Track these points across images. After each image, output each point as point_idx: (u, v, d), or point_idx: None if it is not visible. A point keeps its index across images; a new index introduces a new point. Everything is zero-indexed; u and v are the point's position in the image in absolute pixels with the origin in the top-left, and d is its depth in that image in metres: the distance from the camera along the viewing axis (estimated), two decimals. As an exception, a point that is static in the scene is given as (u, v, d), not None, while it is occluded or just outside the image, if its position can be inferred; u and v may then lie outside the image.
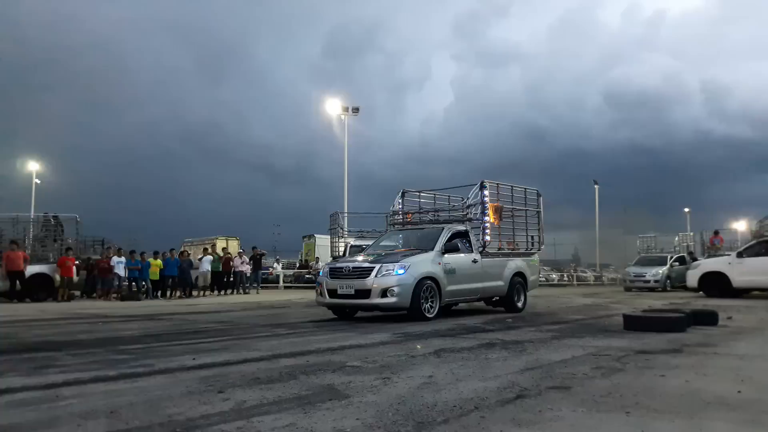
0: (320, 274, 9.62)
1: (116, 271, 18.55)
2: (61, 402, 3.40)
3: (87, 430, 2.79)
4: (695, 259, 20.50)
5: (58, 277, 17.02)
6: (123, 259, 18.73)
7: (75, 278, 17.80)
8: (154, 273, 18.71)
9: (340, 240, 16.79)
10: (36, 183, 36.38)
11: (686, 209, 51.86)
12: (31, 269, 16.67)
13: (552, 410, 3.09)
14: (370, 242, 13.07)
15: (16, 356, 5.34)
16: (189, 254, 21.35)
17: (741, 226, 31.20)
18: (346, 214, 17.14)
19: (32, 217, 21.00)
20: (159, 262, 18.86)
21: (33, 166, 36.54)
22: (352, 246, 15.40)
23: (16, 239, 17.17)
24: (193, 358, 5.04)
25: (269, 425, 2.83)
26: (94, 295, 18.21)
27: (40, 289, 16.79)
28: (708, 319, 7.64)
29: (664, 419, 2.90)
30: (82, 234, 19.49)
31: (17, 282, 16.26)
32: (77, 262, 17.93)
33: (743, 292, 15.20)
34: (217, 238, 27.27)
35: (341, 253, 15.80)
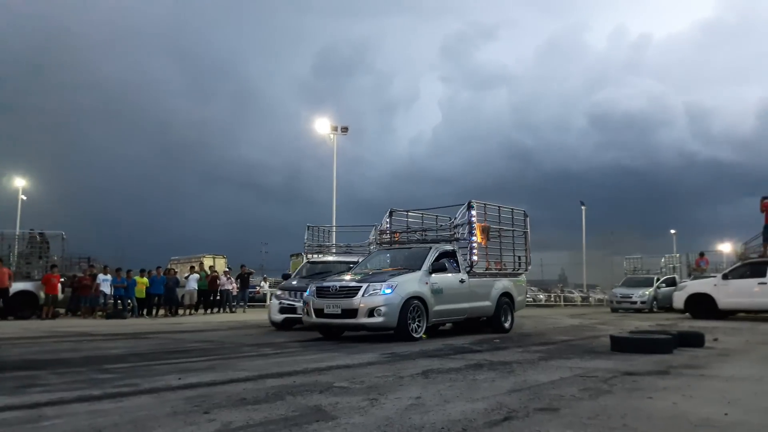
0: (307, 293, 9.59)
1: (102, 288, 18.32)
2: (44, 422, 3.34)
3: (70, 451, 2.75)
4: (673, 284, 20.73)
5: (42, 295, 16.77)
6: (109, 276, 18.52)
7: (60, 296, 17.56)
8: (140, 291, 18.50)
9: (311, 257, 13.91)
10: (22, 199, 36.00)
11: (672, 231, 52.39)
12: (15, 286, 16.40)
13: (540, 432, 3.10)
14: (332, 258, 12.95)
15: (-2, 375, 5.24)
16: (175, 272, 21.15)
17: (726, 247, 31.55)
18: (333, 228, 16.55)
19: (17, 233, 20.74)
20: (145, 280, 18.68)
21: (19, 182, 36.18)
22: (309, 263, 13.19)
23: (1, 256, 16.92)
24: (179, 378, 4.98)
25: (256, 447, 2.80)
26: (79, 313, 17.94)
27: (24, 306, 16.52)
28: (694, 340, 7.70)
29: (651, 441, 2.92)
30: (68, 251, 19.30)
31: (0, 299, 16.00)
32: (62, 279, 17.69)
33: (729, 314, 15.32)
34: (204, 256, 27.04)
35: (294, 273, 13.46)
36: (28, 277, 17.36)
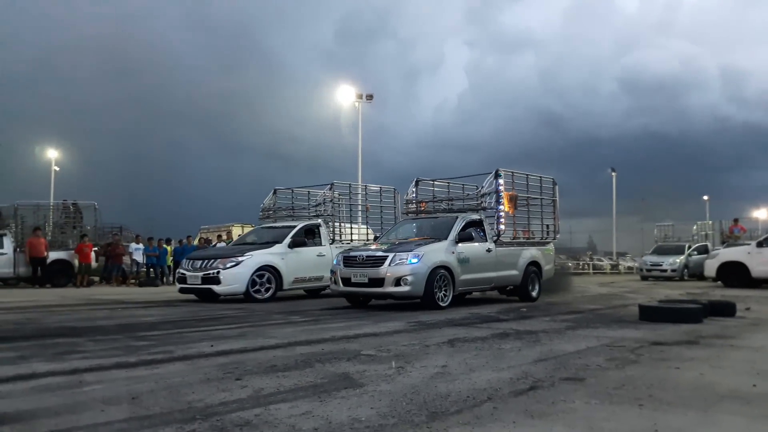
0: (334, 262, 9.72)
1: (134, 257, 18.89)
2: (84, 387, 3.50)
3: (110, 415, 2.87)
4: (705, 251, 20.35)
5: (77, 263, 17.34)
6: (141, 245, 19.05)
7: (94, 264, 18.13)
8: (171, 260, 19.06)
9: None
10: (55, 170, 36.91)
11: (705, 197, 51.17)
12: (51, 255, 17.00)
13: (565, 402, 3.12)
14: (279, 224, 12.57)
15: (40, 341, 5.47)
16: (209, 241, 21.58)
17: (762, 214, 30.77)
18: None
19: (52, 204, 21.34)
20: (170, 249, 19.32)
21: (52, 154, 37.04)
22: (260, 228, 12.92)
23: (38, 226, 17.48)
24: (211, 345, 5.14)
25: (286, 413, 2.89)
26: (112, 281, 18.51)
27: (60, 274, 17.15)
28: (725, 310, 7.58)
29: (677, 412, 2.92)
30: (101, 221, 19.82)
31: (39, 268, 16.61)
32: (95, 248, 18.22)
33: (763, 283, 15.01)
34: (233, 225, 27.48)
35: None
36: (63, 247, 17.93)
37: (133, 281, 18.69)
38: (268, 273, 10.78)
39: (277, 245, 11.18)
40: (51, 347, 5.10)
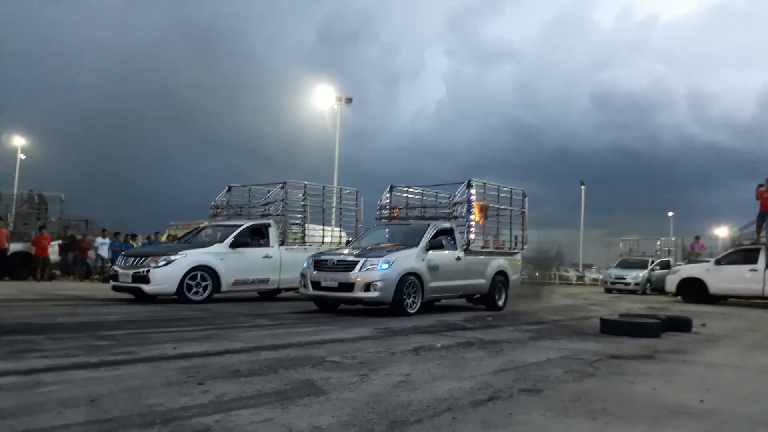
0: (305, 265, 9.70)
1: (100, 252, 18.50)
2: (42, 388, 3.44)
3: (67, 418, 2.84)
4: (668, 267, 20.97)
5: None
6: (107, 240, 18.68)
7: (57, 258, 17.68)
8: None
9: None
10: (21, 159, 35.88)
11: (670, 213, 52.49)
12: (12, 247, 16.52)
13: (522, 414, 3.20)
14: (226, 222, 12.38)
15: (-3, 338, 5.34)
16: (175, 237, 21.28)
17: (723, 232, 31.70)
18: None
19: (15, 193, 20.77)
20: (136, 244, 18.92)
21: (18, 141, 36.00)
22: (209, 227, 12.53)
23: (0, 216, 16.99)
24: (174, 347, 5.09)
25: (247, 419, 2.90)
26: (74, 275, 18.08)
27: (21, 267, 16.67)
28: (682, 325, 7.82)
29: (627, 426, 3.03)
30: (67, 213, 19.37)
31: (-1, 260, 16.13)
32: (59, 242, 17.79)
33: (720, 299, 15.52)
34: (203, 222, 27.13)
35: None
36: (25, 238, 17.45)
37: (96, 277, 18.30)
38: (203, 273, 10.28)
39: (216, 245, 10.78)
40: (7, 345, 4.99)
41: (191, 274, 10.16)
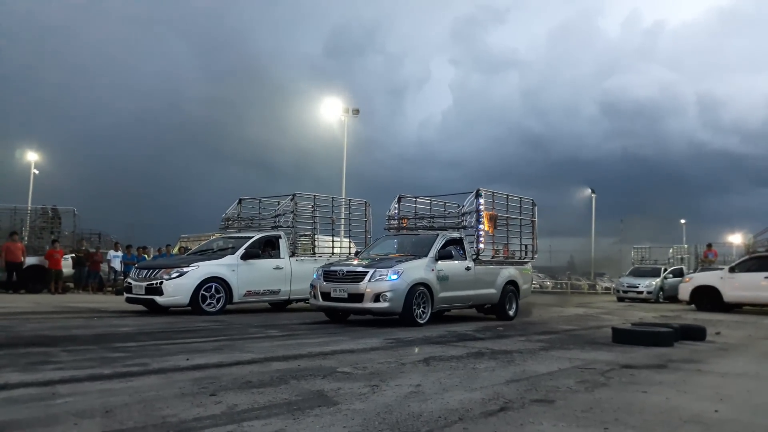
0: (314, 276, 9.74)
1: (112, 265, 18.68)
2: (57, 400, 3.49)
3: (83, 429, 2.88)
4: (681, 275, 20.77)
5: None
6: (120, 253, 18.86)
7: (71, 271, 17.86)
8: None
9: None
10: (34, 173, 36.36)
11: (682, 221, 52.05)
12: (27, 261, 16.72)
13: (533, 424, 3.20)
14: (236, 234, 12.44)
15: (13, 351, 5.41)
16: (185, 250, 21.44)
17: (736, 239, 31.39)
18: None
19: (29, 208, 21.05)
20: (148, 257, 19.09)
21: (31, 157, 36.51)
22: (220, 239, 12.59)
23: (15, 230, 17.21)
24: (187, 359, 5.13)
25: (259, 430, 2.93)
26: (88, 288, 18.25)
27: (35, 280, 16.86)
28: (696, 334, 7.75)
29: (640, 436, 3.01)
30: (80, 227, 19.59)
31: (14, 273, 16.32)
32: (73, 255, 17.98)
33: (734, 307, 15.33)
34: (213, 234, 27.30)
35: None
36: (39, 252, 17.65)
37: (109, 289, 18.46)
38: (216, 285, 10.40)
39: (228, 256, 10.89)
40: (24, 357, 5.06)
41: (206, 285, 10.27)
